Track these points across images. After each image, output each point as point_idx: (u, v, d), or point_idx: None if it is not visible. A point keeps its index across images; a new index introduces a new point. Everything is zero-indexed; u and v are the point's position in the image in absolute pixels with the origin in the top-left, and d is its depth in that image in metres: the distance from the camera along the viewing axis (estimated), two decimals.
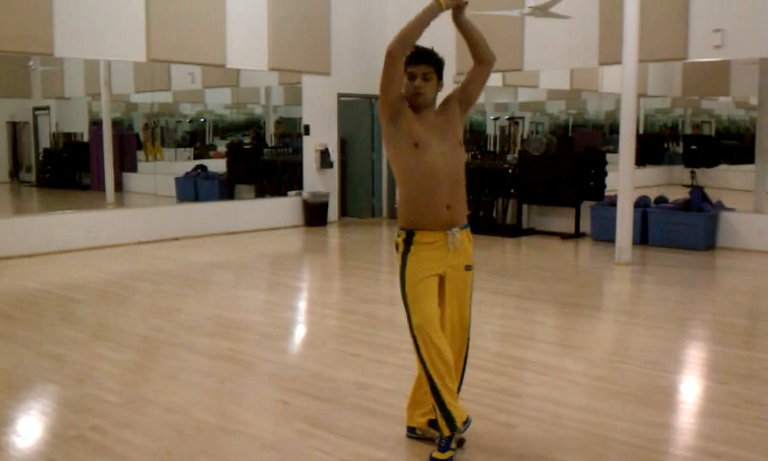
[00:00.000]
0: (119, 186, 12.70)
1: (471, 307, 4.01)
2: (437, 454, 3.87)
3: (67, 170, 13.33)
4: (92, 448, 4.11)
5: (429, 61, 3.94)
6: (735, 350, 6.16)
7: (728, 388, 5.13)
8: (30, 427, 4.54)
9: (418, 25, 3.81)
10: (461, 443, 3.99)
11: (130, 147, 13.31)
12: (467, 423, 3.87)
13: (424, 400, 4.03)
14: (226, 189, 13.81)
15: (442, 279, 3.91)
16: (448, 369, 3.80)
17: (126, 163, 13.06)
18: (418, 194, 3.86)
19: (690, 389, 5.31)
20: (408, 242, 3.90)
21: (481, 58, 3.99)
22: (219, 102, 14.88)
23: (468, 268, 3.95)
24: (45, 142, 13.36)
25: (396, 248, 3.97)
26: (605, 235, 10.83)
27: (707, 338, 6.66)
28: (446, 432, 3.83)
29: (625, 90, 9.67)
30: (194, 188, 13.68)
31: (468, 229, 3.98)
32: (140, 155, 13.58)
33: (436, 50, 4.01)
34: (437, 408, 3.81)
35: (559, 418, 4.48)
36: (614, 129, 11.79)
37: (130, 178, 13.25)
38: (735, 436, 4.25)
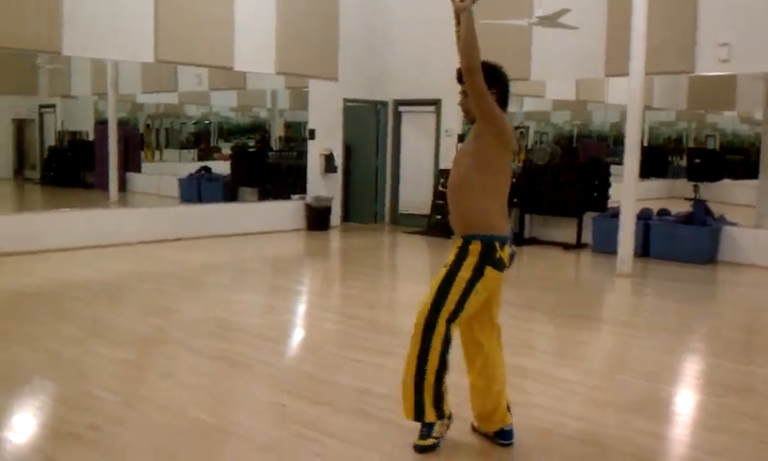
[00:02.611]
0: (123, 186, 12.74)
1: (450, 300, 3.95)
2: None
3: (72, 168, 13.36)
4: (88, 445, 4.11)
5: (459, 79, 3.96)
6: (733, 363, 6.15)
7: (724, 401, 5.13)
8: (26, 424, 4.55)
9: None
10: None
11: (134, 147, 13.34)
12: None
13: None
14: (229, 191, 13.83)
15: None
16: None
17: (130, 163, 13.10)
18: None
19: (686, 401, 5.31)
20: None
21: None
22: (225, 104, 14.92)
23: (445, 265, 4.02)
24: (50, 140, 13.40)
25: None
26: (607, 247, 10.81)
27: (705, 351, 6.66)
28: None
29: (631, 102, 9.68)
30: (197, 190, 13.70)
31: (470, 240, 3.97)
32: (145, 155, 13.63)
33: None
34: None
35: (557, 426, 4.48)
36: (619, 140, 11.80)
37: (134, 177, 13.28)
38: (730, 449, 4.25)
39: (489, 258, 3.95)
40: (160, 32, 11.10)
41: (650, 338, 6.88)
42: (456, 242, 4.06)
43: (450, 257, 4.02)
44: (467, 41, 3.78)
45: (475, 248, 3.95)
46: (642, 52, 9.50)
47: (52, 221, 10.66)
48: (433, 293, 3.98)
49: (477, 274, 3.94)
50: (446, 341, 3.96)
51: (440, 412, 4.02)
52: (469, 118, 4.07)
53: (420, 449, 4.02)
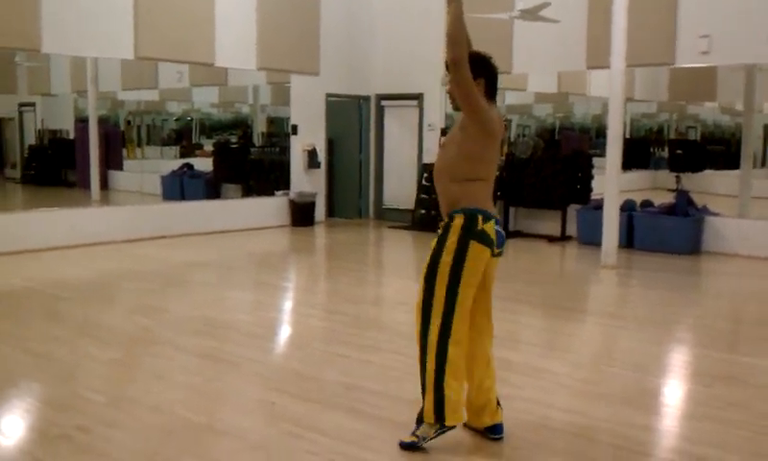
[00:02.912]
0: (105, 184, 12.64)
1: (439, 290, 3.95)
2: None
3: (53, 167, 13.25)
4: (77, 447, 4.08)
5: (447, 69, 3.93)
6: (719, 353, 6.20)
7: (711, 391, 5.17)
8: (14, 426, 4.51)
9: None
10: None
11: (116, 145, 13.25)
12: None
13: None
14: (212, 188, 13.77)
15: None
16: None
17: (112, 161, 13.00)
18: None
19: (674, 392, 5.35)
20: None
21: None
22: (206, 100, 14.84)
23: (431, 248, 4.04)
24: (31, 139, 13.28)
25: None
26: (591, 238, 10.88)
27: (691, 341, 6.71)
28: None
29: (612, 94, 9.73)
30: (180, 187, 13.63)
31: (453, 217, 3.97)
32: (125, 153, 13.53)
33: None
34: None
35: (545, 419, 4.50)
36: (601, 132, 11.86)
37: (115, 175, 13.19)
38: (718, 438, 4.28)
39: (470, 231, 3.90)
40: (140, 28, 11.02)
41: (636, 329, 6.92)
42: (442, 223, 4.04)
43: (433, 242, 4.01)
44: (453, 33, 3.77)
45: (457, 222, 3.93)
46: (623, 44, 9.54)
47: (34, 220, 10.56)
48: (421, 292, 3.98)
49: (461, 252, 3.90)
50: (443, 341, 3.92)
51: (439, 416, 3.97)
52: (455, 106, 4.06)
53: (402, 445, 4.03)
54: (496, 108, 4.13)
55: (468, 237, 3.91)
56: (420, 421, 4.05)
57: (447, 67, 3.90)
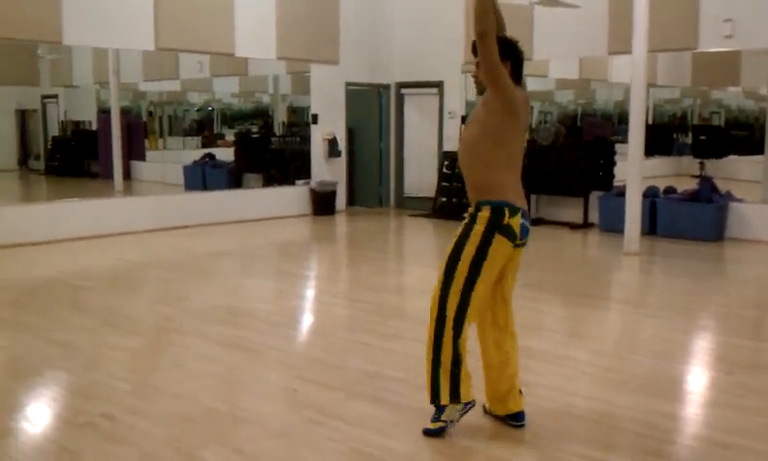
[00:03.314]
0: (128, 175, 12.73)
1: (458, 277, 3.95)
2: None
3: (76, 158, 13.37)
4: (102, 434, 4.13)
5: (473, 50, 3.95)
6: (743, 340, 6.16)
7: (734, 378, 5.14)
8: (40, 414, 4.57)
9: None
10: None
11: (138, 135, 13.33)
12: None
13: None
14: (234, 178, 13.83)
15: None
16: None
17: (134, 152, 13.09)
18: None
19: (697, 379, 5.32)
20: None
21: None
22: (227, 90, 14.89)
23: (455, 235, 4.03)
24: (54, 130, 13.40)
25: None
26: (613, 226, 10.80)
27: (714, 329, 6.66)
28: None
29: (634, 80, 9.64)
30: (202, 177, 13.70)
31: (481, 207, 3.96)
32: (148, 143, 13.62)
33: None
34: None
35: (567, 407, 4.49)
36: (623, 119, 11.76)
37: (138, 166, 13.28)
38: (741, 426, 4.25)
39: (496, 225, 3.90)
40: (160, 19, 11.07)
41: (659, 316, 6.88)
42: (470, 211, 4.04)
43: (459, 229, 4.01)
44: (480, 6, 3.77)
45: (484, 214, 3.92)
46: (645, 29, 9.45)
47: (58, 211, 10.67)
48: (441, 279, 3.99)
49: (484, 245, 3.90)
50: (457, 331, 3.95)
51: (455, 397, 4.01)
52: (480, 89, 4.05)
53: (427, 432, 4.05)
54: (525, 89, 4.13)
55: (493, 231, 3.91)
56: (438, 406, 4.05)
57: (474, 50, 3.91)
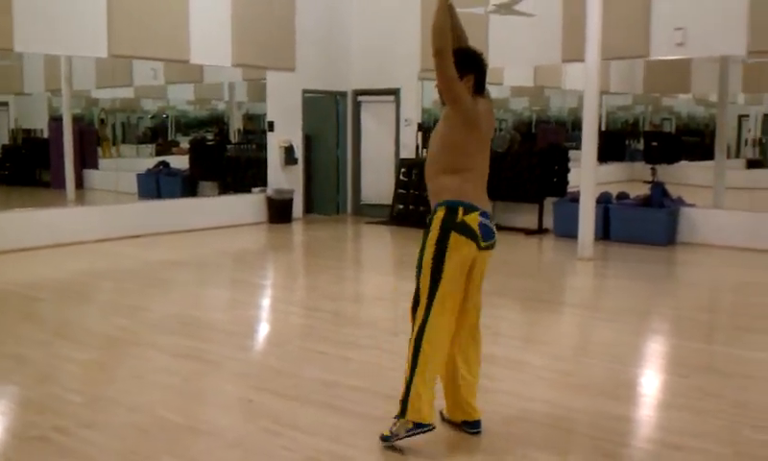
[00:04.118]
0: (80, 183, 12.52)
1: (423, 285, 3.96)
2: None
3: (27, 167, 13.10)
4: (55, 448, 4.05)
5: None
6: (695, 343, 6.26)
7: (688, 381, 5.21)
8: None
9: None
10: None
11: (91, 144, 13.14)
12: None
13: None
14: (188, 186, 13.69)
15: None
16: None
17: (87, 160, 12.89)
18: None
19: (651, 382, 5.39)
20: None
21: None
22: (182, 98, 14.74)
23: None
24: (4, 138, 13.11)
25: None
26: (568, 231, 10.92)
27: (667, 332, 6.76)
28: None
29: (588, 87, 9.77)
30: (156, 185, 13.54)
31: (437, 209, 3.96)
32: (100, 151, 13.42)
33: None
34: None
35: (524, 412, 4.52)
36: (577, 125, 11.90)
37: (91, 174, 13.08)
38: (695, 428, 4.32)
39: (450, 223, 3.88)
40: (114, 26, 10.93)
41: (614, 320, 6.97)
42: (428, 218, 4.06)
43: (422, 238, 4.02)
44: (437, 24, 3.81)
45: (438, 215, 3.93)
46: (598, 37, 9.59)
47: (9, 221, 10.44)
48: (414, 290, 4.02)
49: (441, 244, 3.88)
50: (418, 339, 3.92)
51: (402, 411, 3.96)
52: (442, 100, 4.09)
53: (382, 438, 4.04)
54: (489, 99, 4.18)
55: (447, 229, 3.90)
56: (398, 416, 4.05)
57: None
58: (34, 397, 4.90)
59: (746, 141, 14.45)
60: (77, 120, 12.57)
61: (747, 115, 14.25)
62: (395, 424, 4.00)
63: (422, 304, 3.95)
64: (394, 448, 3.98)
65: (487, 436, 4.17)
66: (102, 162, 13.43)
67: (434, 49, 3.81)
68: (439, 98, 4.14)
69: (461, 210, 3.91)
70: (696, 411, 4.59)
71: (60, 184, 12.11)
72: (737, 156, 14.20)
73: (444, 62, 3.81)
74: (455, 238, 3.89)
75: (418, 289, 4.00)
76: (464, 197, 3.94)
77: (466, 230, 3.91)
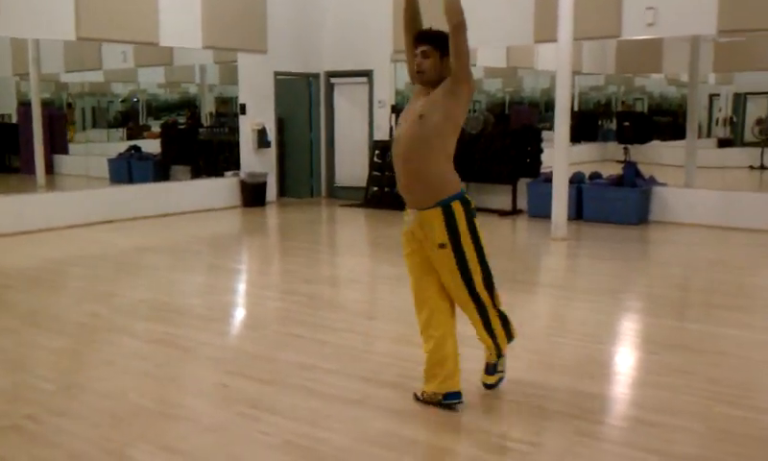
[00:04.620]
0: (50, 169, 12.36)
1: (467, 280, 4.20)
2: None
3: None
4: (27, 437, 4.01)
5: (425, 40, 4.02)
6: (668, 321, 6.32)
7: (660, 358, 5.27)
8: None
9: None
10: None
11: (60, 128, 12.96)
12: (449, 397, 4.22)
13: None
14: (160, 170, 13.56)
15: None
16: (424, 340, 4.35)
17: (57, 145, 12.72)
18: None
19: (624, 360, 5.43)
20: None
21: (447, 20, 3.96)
22: (152, 81, 14.57)
23: (442, 245, 4.06)
24: None
25: None
26: (541, 211, 10.98)
27: (640, 310, 6.82)
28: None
29: (560, 68, 9.78)
30: (128, 170, 13.41)
31: (439, 208, 4.02)
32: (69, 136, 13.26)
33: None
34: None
35: (498, 391, 4.53)
36: (550, 106, 11.94)
37: (61, 160, 12.91)
38: (668, 405, 4.36)
39: (471, 214, 4.11)
40: (81, 8, 10.76)
41: (587, 300, 7.02)
42: (429, 215, 4.05)
43: (439, 234, 4.04)
44: (453, 1, 3.84)
45: (458, 209, 4.05)
46: (570, 17, 9.60)
47: None
48: (459, 282, 4.16)
49: (475, 239, 4.13)
50: (491, 292, 4.33)
51: (510, 337, 4.43)
52: (422, 80, 4.07)
53: (489, 387, 4.48)
54: None
55: (471, 220, 4.12)
56: (492, 364, 4.47)
57: (421, 39, 4.02)
58: (4, 385, 4.84)
59: (717, 121, 14.60)
60: (46, 105, 12.40)
61: (718, 95, 14.39)
62: (496, 367, 4.46)
63: (486, 299, 4.31)
64: (370, 426, 3.99)
65: (461, 415, 4.18)
66: (72, 147, 13.26)
67: (454, 23, 3.85)
68: (417, 77, 4.10)
69: (467, 198, 4.14)
70: (670, 388, 4.64)
71: (30, 170, 11.95)
72: (708, 135, 14.35)
73: (463, 36, 3.87)
74: (476, 223, 4.15)
75: (469, 281, 4.19)
76: (458, 184, 4.14)
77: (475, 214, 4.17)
